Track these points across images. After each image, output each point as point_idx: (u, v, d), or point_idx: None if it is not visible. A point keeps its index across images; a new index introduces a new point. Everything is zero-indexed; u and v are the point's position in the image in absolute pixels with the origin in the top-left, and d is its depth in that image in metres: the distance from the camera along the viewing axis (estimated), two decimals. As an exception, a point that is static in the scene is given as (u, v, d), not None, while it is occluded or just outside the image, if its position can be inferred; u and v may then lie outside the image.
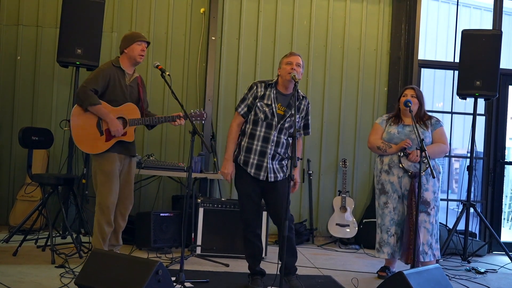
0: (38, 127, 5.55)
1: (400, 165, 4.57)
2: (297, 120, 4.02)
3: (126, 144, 4.38)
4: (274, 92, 4.06)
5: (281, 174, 4.06)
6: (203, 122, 4.53)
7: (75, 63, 5.47)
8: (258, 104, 4.02)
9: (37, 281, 3.83)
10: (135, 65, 4.45)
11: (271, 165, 3.99)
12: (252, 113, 4.04)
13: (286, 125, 4.02)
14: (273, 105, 4.01)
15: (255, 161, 3.98)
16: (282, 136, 4.01)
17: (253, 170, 3.99)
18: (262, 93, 4.05)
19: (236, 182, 4.11)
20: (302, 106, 4.12)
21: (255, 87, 4.09)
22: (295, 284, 4.02)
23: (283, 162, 4.07)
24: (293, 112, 3.98)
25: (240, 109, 4.08)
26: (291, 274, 4.07)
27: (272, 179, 4.00)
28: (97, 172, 4.30)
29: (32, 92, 6.06)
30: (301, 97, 4.12)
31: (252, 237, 4.07)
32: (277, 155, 4.00)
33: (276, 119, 4.00)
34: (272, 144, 3.98)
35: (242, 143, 4.05)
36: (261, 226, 4.20)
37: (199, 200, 5.15)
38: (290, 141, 4.06)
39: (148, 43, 4.47)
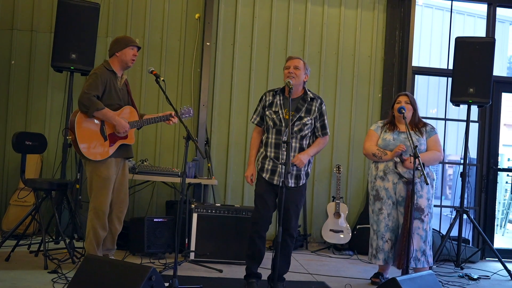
0: (32, 132, 5.54)
1: (396, 170, 4.57)
2: (309, 122, 4.12)
3: (126, 147, 4.42)
4: (281, 98, 4.15)
5: (293, 181, 4.11)
6: (191, 116, 4.59)
7: (69, 68, 5.46)
8: (267, 112, 4.16)
9: (29, 287, 3.81)
10: (125, 69, 4.46)
11: (283, 170, 3.99)
12: (264, 122, 4.20)
13: (295, 128, 4.09)
14: (279, 111, 4.11)
15: (270, 167, 4.12)
16: (293, 141, 4.07)
17: (268, 175, 4.12)
18: (270, 101, 4.18)
19: (256, 186, 4.22)
20: (313, 108, 4.15)
21: (263, 96, 4.25)
22: None
23: (298, 168, 4.11)
24: (302, 115, 4.10)
25: (253, 119, 4.31)
26: (279, 281, 4.07)
27: (280, 184, 3.99)
28: (93, 177, 4.28)
29: (26, 97, 6.04)
30: (309, 99, 4.15)
31: (256, 238, 4.12)
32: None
33: (284, 125, 4.07)
34: (283, 149, 4.03)
35: (261, 150, 4.21)
36: (267, 230, 4.19)
37: (193, 206, 5.14)
38: (296, 145, 4.15)
39: (139, 48, 4.47)
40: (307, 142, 4.18)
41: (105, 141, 4.24)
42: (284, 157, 3.97)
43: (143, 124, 4.47)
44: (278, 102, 4.12)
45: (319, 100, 4.18)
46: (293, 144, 4.09)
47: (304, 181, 4.17)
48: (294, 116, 4.08)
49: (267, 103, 4.17)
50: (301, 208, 4.25)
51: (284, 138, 4.01)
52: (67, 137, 4.17)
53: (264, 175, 4.12)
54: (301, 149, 4.13)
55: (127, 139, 4.38)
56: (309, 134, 4.18)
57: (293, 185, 4.10)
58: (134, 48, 4.39)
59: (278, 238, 3.58)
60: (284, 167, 3.92)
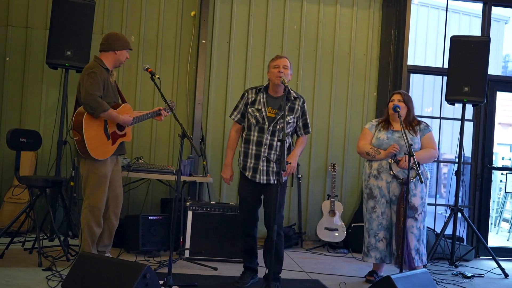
0: (26, 129, 5.52)
1: (391, 172, 4.57)
2: (292, 121, 4.14)
3: (122, 144, 4.45)
4: (265, 96, 4.16)
5: (274, 177, 4.11)
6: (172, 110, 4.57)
7: (64, 65, 5.44)
8: (249, 109, 4.16)
9: (24, 284, 3.80)
10: (116, 67, 4.47)
11: (264, 168, 4.12)
12: (246, 119, 4.19)
13: (278, 126, 4.10)
14: (263, 109, 4.12)
15: (252, 165, 4.15)
16: (275, 139, 4.10)
17: (250, 173, 4.16)
18: (253, 99, 4.18)
19: (238, 186, 4.32)
20: (296, 107, 4.19)
21: (246, 94, 4.24)
22: None
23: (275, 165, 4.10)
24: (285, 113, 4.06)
25: (233, 116, 4.27)
26: (275, 281, 4.08)
27: (265, 181, 4.13)
28: (89, 175, 4.28)
29: (21, 94, 6.02)
30: (293, 98, 4.17)
31: (246, 237, 4.27)
32: (271, 157, 4.10)
33: (267, 123, 4.10)
34: (265, 147, 4.11)
35: (241, 148, 4.23)
36: (256, 227, 4.31)
37: (188, 204, 5.14)
38: (286, 144, 4.10)
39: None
40: (290, 140, 4.22)
41: (108, 140, 4.25)
42: (266, 154, 4.09)
43: (138, 121, 4.50)
44: (261, 100, 4.15)
45: (301, 99, 4.23)
46: (276, 143, 4.10)
47: (286, 178, 4.19)
48: (277, 114, 4.12)
49: (250, 100, 4.19)
50: (283, 204, 4.33)
51: (267, 136, 4.08)
52: (74, 138, 4.13)
53: (246, 173, 4.17)
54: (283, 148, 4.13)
55: (125, 137, 4.41)
56: (291, 132, 4.23)
57: (276, 182, 4.05)
58: (128, 51, 4.44)
59: (273, 237, 3.54)
60: (266, 164, 4.09)
